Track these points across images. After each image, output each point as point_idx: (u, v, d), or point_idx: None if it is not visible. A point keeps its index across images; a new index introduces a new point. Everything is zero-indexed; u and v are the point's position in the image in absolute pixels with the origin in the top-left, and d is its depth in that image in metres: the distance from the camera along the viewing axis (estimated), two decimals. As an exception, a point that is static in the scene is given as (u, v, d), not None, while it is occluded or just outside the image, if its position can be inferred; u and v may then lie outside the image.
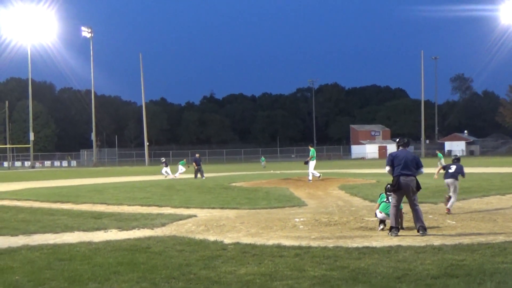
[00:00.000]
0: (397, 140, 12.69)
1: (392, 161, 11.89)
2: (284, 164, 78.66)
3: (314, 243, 10.56)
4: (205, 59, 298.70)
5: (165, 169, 42.20)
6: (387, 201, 12.35)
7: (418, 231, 11.50)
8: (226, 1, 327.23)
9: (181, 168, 42.73)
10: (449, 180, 15.92)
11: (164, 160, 44.63)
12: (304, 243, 10.61)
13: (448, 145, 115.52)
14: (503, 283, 7.27)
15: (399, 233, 11.47)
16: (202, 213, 16.31)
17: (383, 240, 10.91)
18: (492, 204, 17.58)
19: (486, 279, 7.46)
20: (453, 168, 16.13)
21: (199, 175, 38.20)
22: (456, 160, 16.67)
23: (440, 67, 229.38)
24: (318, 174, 30.10)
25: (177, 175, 41.28)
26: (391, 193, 11.99)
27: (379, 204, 12.64)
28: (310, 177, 29.67)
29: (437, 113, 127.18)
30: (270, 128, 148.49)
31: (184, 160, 45.97)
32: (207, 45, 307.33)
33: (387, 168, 11.98)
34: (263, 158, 68.96)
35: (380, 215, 12.49)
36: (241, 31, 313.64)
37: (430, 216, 14.37)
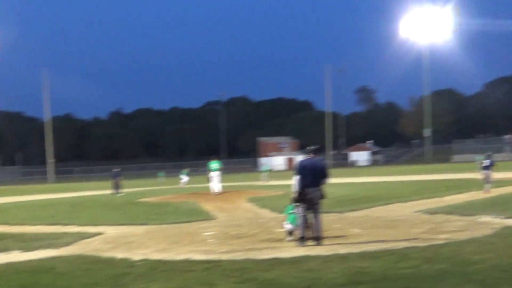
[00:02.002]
0: (309, 147, 12.67)
1: (301, 170, 11.93)
2: (193, 178, 78.21)
3: (223, 257, 10.56)
4: (113, 74, 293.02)
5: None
6: (294, 213, 12.50)
7: (315, 241, 11.68)
8: (130, 15, 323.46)
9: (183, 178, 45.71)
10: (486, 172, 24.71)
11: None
12: (213, 256, 10.59)
13: (353, 155, 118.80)
14: None
15: (306, 243, 11.64)
16: (110, 230, 15.98)
17: (291, 250, 11.04)
18: (394, 211, 18.16)
19: (390, 284, 7.70)
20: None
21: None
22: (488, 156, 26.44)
23: (345, 79, 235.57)
24: (217, 190, 29.97)
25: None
26: (298, 204, 12.12)
27: (287, 216, 12.79)
28: (218, 189, 29.79)
29: (343, 124, 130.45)
30: (179, 142, 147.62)
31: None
32: (114, 60, 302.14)
33: (296, 177, 11.97)
34: (161, 173, 68.95)
35: (288, 226, 12.63)
36: (147, 45, 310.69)
37: (336, 225, 14.68)
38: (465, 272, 8.14)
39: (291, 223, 12.47)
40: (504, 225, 13.11)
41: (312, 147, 12.57)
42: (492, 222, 14.03)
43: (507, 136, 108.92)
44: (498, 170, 43.67)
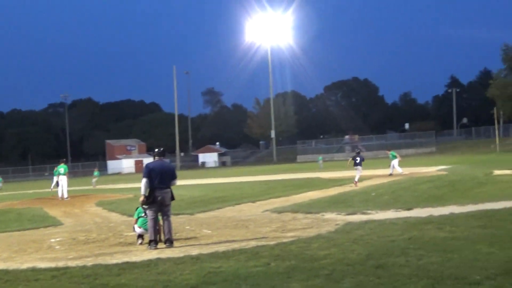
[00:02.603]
0: (154, 150, 12.66)
1: (149, 173, 11.83)
2: (37, 183, 74.86)
3: (72, 263, 10.20)
4: None
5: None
6: (144, 216, 12.34)
7: (165, 243, 11.67)
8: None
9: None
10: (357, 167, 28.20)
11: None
12: (61, 264, 10.19)
13: (202, 157, 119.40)
14: (256, 285, 7.69)
15: (158, 246, 11.55)
16: None
17: (143, 254, 10.90)
18: (244, 211, 18.51)
19: (241, 283, 7.83)
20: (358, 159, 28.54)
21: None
22: (358, 153, 30.05)
23: (192, 82, 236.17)
24: (65, 195, 29.03)
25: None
26: (148, 206, 11.99)
27: (137, 219, 12.61)
28: (65, 194, 28.88)
29: (190, 126, 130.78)
30: (20, 146, 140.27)
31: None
32: None
33: (144, 180, 11.85)
34: None
35: (138, 230, 12.46)
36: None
37: (187, 227, 14.71)
38: (313, 268, 8.48)
39: (141, 226, 12.33)
40: (347, 221, 13.79)
41: (158, 150, 12.54)
42: (336, 218, 14.72)
43: (347, 137, 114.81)
44: (339, 169, 46.03)
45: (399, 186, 24.50)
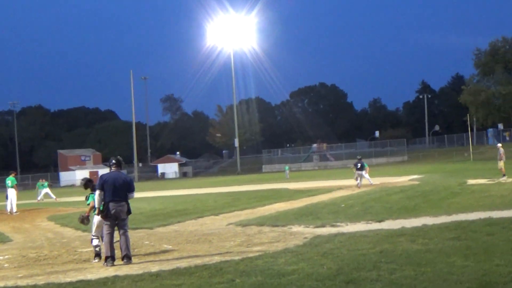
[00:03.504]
0: (110, 161, 12.49)
1: (102, 185, 11.74)
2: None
3: (22, 282, 10.03)
4: None
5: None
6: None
7: (122, 260, 11.56)
8: None
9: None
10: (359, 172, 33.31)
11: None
12: (10, 283, 10.01)
13: (161, 167, 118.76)
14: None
15: (115, 263, 11.43)
16: None
17: (99, 271, 10.78)
18: (206, 225, 18.45)
19: (205, 301, 7.80)
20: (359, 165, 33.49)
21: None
22: (359, 159, 34.38)
23: (150, 88, 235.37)
24: (14, 210, 28.72)
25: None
26: (103, 221, 11.85)
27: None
28: (15, 209, 28.51)
29: (149, 134, 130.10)
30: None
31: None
32: None
33: (97, 192, 11.80)
34: None
35: (95, 241, 12.36)
36: None
37: (146, 242, 14.61)
38: (280, 284, 8.48)
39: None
40: (315, 234, 13.85)
41: (114, 160, 12.37)
42: (304, 231, 14.77)
43: (314, 145, 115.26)
44: (306, 180, 46.21)
45: (369, 197, 24.70)
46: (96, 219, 12.37)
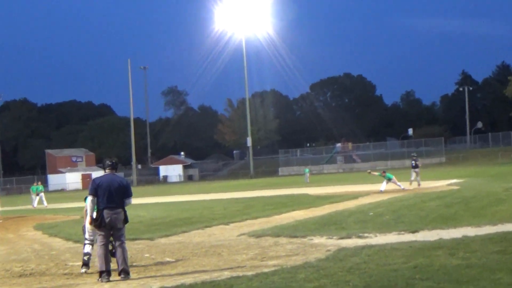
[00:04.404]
0: (105, 162, 12.42)
1: (95, 189, 11.70)
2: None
3: (5, 300, 10.12)
4: None
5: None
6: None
7: (119, 275, 11.55)
8: None
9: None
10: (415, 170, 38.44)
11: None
12: (-8, 301, 10.11)
13: (164, 170, 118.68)
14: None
15: (110, 278, 11.46)
16: None
17: (92, 288, 10.85)
18: (215, 235, 18.47)
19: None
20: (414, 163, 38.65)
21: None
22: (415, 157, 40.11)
23: (150, 79, 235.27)
24: None
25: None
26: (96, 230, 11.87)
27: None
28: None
29: (149, 132, 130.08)
30: None
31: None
32: None
33: (90, 198, 11.81)
34: None
35: (88, 247, 12.44)
36: None
37: (147, 255, 14.66)
38: (299, 303, 8.48)
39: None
40: (339, 247, 13.83)
41: (110, 161, 12.31)
42: (326, 243, 14.74)
43: (338, 145, 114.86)
44: (329, 184, 46.15)
45: (402, 204, 24.62)
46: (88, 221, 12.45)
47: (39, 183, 46.60)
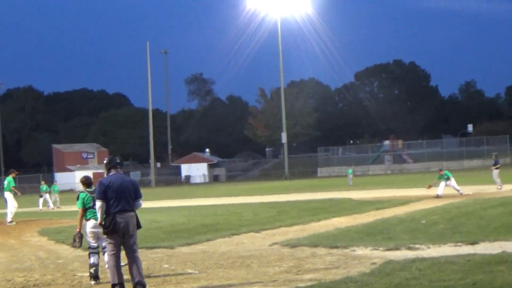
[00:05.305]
0: (106, 160, 12.33)
1: (104, 193, 11.56)
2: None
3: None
4: None
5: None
6: (94, 207, 12.43)
7: None
8: None
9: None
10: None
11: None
12: (-10, 315, 10.22)
13: (186, 169, 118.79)
14: None
15: (125, 292, 11.49)
16: None
17: (104, 302, 10.92)
18: (244, 244, 18.51)
19: None
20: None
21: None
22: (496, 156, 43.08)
23: (171, 66, 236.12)
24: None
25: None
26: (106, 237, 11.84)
27: (84, 210, 12.66)
28: (9, 219, 29.11)
29: (170, 126, 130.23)
30: None
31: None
32: None
33: (99, 203, 11.60)
34: None
35: (93, 258, 12.55)
36: None
37: (166, 266, 14.71)
38: (340, 323, 8.48)
39: (92, 217, 12.58)
40: (386, 259, 13.78)
41: (117, 160, 12.24)
42: (371, 255, 14.71)
43: (386, 142, 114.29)
44: (378, 187, 45.93)
45: (459, 212, 24.46)
46: (89, 225, 12.56)
47: (43, 182, 47.07)
